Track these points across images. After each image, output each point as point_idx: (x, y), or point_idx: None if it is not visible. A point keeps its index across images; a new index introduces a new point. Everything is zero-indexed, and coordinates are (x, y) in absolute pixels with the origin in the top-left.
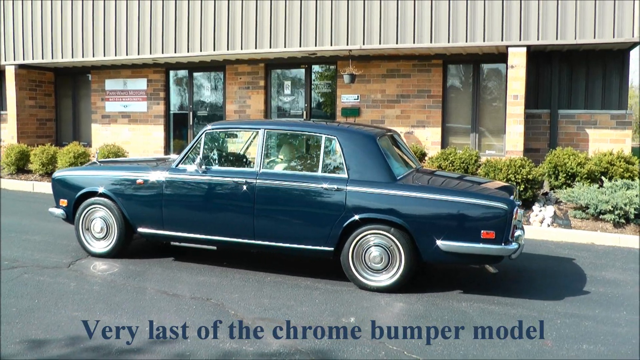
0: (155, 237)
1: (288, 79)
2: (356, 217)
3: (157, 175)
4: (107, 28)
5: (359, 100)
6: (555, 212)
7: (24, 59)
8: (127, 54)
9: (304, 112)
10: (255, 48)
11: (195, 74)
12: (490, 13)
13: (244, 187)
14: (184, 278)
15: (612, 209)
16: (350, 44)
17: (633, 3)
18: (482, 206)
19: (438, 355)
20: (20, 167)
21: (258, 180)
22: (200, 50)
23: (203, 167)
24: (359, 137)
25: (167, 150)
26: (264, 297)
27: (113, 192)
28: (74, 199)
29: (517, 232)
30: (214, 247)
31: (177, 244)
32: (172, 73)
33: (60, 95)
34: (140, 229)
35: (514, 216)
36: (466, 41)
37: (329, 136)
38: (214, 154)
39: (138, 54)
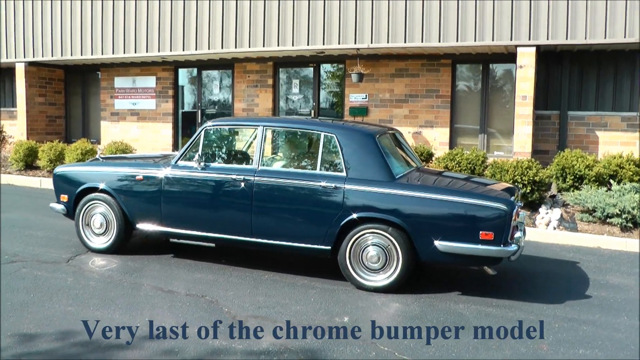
0: (154, 233)
1: (296, 77)
2: (354, 215)
3: (156, 172)
4: (116, 26)
5: (367, 100)
6: (562, 215)
7: (34, 57)
8: (135, 52)
9: (312, 111)
10: (263, 46)
11: (203, 72)
12: (499, 12)
13: (242, 185)
14: (181, 275)
15: (619, 212)
16: (358, 42)
17: None
18: (481, 206)
19: (429, 357)
20: (29, 163)
21: (256, 178)
22: (208, 49)
23: (202, 163)
24: (358, 135)
25: (175, 148)
26: (259, 295)
27: (113, 188)
28: (74, 195)
29: (517, 234)
30: (213, 245)
31: (175, 240)
32: (180, 71)
33: (70, 93)
34: (139, 225)
35: (514, 217)
36: (475, 40)
37: (328, 134)
38: (213, 151)
39: (146, 51)
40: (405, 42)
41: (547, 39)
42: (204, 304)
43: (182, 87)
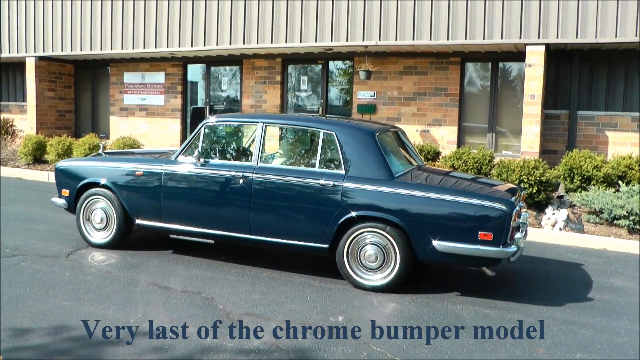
0: (153, 229)
1: (305, 74)
2: (353, 214)
3: (156, 168)
4: (125, 21)
5: (375, 97)
6: (568, 216)
7: (44, 51)
8: (144, 47)
9: (320, 108)
10: (271, 43)
11: (212, 68)
12: (508, 10)
13: (241, 181)
14: (179, 271)
15: (627, 214)
16: (366, 39)
17: None
18: (480, 206)
19: (421, 358)
20: (37, 157)
21: (255, 175)
22: (217, 44)
23: (202, 160)
24: (357, 132)
25: None
26: (255, 292)
27: (113, 183)
28: (75, 189)
29: (517, 235)
30: (212, 241)
31: (175, 236)
32: (189, 67)
33: (79, 88)
34: (139, 221)
35: (514, 218)
36: (484, 38)
37: (327, 131)
38: (213, 147)
39: (155, 47)
40: (413, 39)
41: (557, 37)
42: (199, 301)
43: (191, 83)
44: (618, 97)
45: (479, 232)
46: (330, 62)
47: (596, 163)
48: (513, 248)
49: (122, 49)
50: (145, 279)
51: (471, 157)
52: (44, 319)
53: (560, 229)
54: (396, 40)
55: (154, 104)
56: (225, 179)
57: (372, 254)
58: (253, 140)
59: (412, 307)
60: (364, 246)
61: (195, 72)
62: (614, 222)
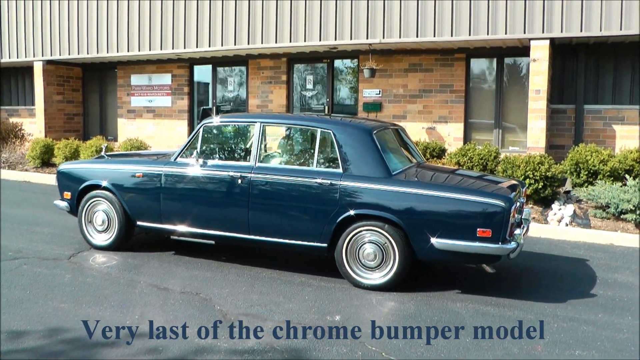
0: (153, 230)
1: (310, 73)
2: (351, 212)
3: (156, 169)
4: (131, 24)
5: (380, 95)
6: (574, 211)
7: (51, 55)
8: (150, 49)
9: (326, 107)
10: (276, 42)
11: (218, 69)
12: (512, 5)
13: (239, 181)
14: (179, 272)
15: (633, 208)
16: (370, 37)
17: None
18: (477, 203)
19: (416, 357)
20: (45, 160)
21: (253, 175)
22: (222, 45)
23: (200, 160)
24: (354, 131)
25: None
26: (254, 292)
27: (113, 185)
28: (77, 192)
29: (517, 231)
30: (212, 242)
31: (176, 237)
32: (196, 68)
33: (87, 91)
34: (139, 222)
35: (512, 214)
36: (487, 34)
37: (325, 130)
38: (211, 148)
39: (161, 49)
40: (417, 36)
41: (561, 32)
42: (197, 302)
43: (198, 84)
44: (625, 91)
45: (478, 229)
46: (336, 61)
47: (602, 157)
48: (512, 244)
49: (128, 51)
50: (144, 280)
51: (476, 153)
52: (41, 321)
53: (567, 225)
54: (400, 37)
55: (161, 106)
56: (223, 179)
57: (371, 253)
58: (251, 140)
59: (410, 305)
60: (362, 245)
61: (201, 73)
62: (621, 217)
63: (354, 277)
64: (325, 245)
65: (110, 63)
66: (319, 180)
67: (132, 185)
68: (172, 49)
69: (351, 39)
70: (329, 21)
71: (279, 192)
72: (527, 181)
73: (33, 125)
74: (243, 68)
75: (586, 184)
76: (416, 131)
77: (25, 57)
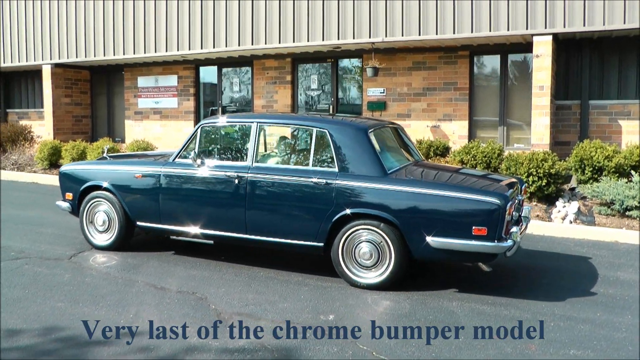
0: (153, 230)
1: (315, 73)
2: (347, 211)
3: (154, 170)
4: (136, 26)
5: (384, 94)
6: (579, 208)
7: (59, 58)
8: (156, 51)
9: (331, 106)
10: (279, 42)
11: (223, 70)
12: (514, 1)
13: (236, 181)
14: (177, 272)
15: (638, 204)
16: (372, 36)
17: None
18: (472, 201)
19: (407, 357)
20: (53, 162)
21: (250, 174)
22: (226, 46)
23: (198, 161)
24: (349, 129)
25: None
26: (250, 292)
27: (114, 186)
28: (78, 193)
29: (513, 229)
30: (211, 242)
31: (175, 237)
32: (201, 69)
33: (95, 93)
34: (139, 223)
35: (508, 211)
36: (490, 31)
37: (320, 129)
38: (209, 148)
39: (166, 50)
40: (419, 34)
41: (564, 26)
42: (192, 301)
43: (203, 85)
44: (630, 85)
45: (473, 227)
46: (339, 61)
47: (607, 153)
48: (509, 242)
49: (134, 53)
50: (142, 280)
51: (480, 151)
52: (37, 320)
53: (571, 222)
54: (402, 35)
55: (168, 107)
56: (221, 180)
57: (367, 252)
58: (248, 140)
59: (406, 304)
60: (358, 244)
61: (207, 74)
62: (626, 214)
63: (350, 277)
64: (321, 244)
65: (118, 65)
66: (314, 180)
67: (132, 186)
68: (178, 50)
69: (354, 38)
70: (332, 21)
71: (276, 192)
72: (531, 178)
73: (42, 127)
74: (248, 68)
75: (591, 181)
76: (421, 129)
77: (34, 60)
